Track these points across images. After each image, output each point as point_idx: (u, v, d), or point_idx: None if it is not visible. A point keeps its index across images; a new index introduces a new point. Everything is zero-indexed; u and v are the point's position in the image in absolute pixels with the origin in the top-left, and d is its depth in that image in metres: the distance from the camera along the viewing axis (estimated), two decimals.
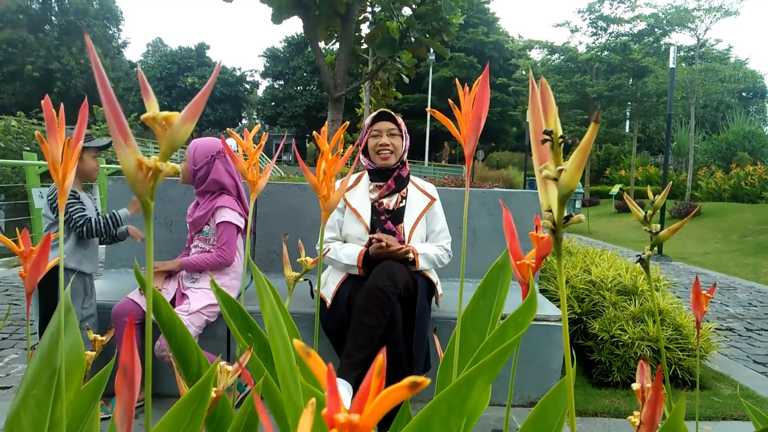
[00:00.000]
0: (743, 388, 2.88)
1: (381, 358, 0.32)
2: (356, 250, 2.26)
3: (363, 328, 1.99)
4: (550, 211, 0.46)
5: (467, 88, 0.84)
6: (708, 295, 1.08)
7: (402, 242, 2.29)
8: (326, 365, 0.33)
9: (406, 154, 2.42)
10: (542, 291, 3.12)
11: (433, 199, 2.42)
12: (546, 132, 0.43)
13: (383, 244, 2.16)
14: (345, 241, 2.37)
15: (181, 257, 2.55)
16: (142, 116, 0.44)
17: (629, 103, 19.97)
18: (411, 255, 2.21)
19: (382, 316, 2.00)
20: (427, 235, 2.41)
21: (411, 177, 2.48)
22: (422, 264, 2.24)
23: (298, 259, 1.17)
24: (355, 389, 1.92)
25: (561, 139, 0.43)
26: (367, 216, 2.33)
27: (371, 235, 2.23)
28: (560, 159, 0.44)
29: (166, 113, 0.44)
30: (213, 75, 0.49)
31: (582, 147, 0.41)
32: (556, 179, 0.44)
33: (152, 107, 0.44)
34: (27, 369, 0.80)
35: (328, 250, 2.32)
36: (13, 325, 3.63)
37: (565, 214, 0.47)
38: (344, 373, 1.93)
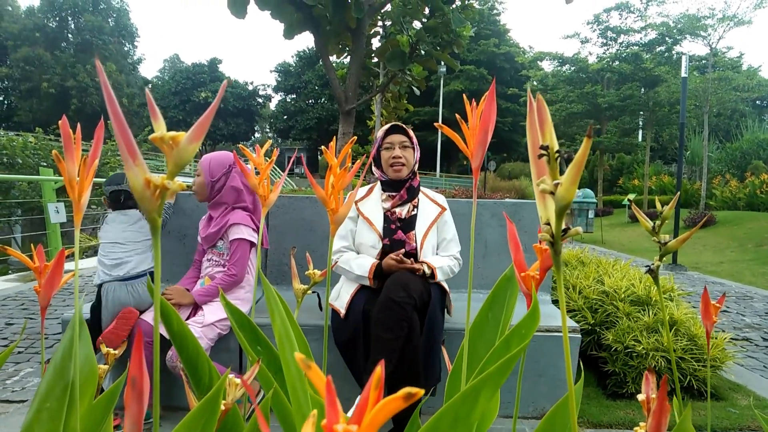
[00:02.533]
0: (759, 398, 2.84)
1: (379, 371, 0.33)
2: (369, 261, 2.27)
3: (381, 343, 1.99)
4: (549, 224, 0.47)
5: (474, 103, 0.85)
6: (717, 305, 1.08)
7: (413, 250, 2.32)
8: (326, 377, 0.34)
9: (416, 165, 2.46)
10: (555, 302, 3.10)
11: (443, 209, 2.46)
12: (542, 147, 0.44)
13: (396, 260, 2.19)
14: (358, 251, 2.39)
15: (191, 271, 2.59)
16: (150, 136, 0.45)
17: (641, 112, 19.82)
18: (428, 269, 2.22)
19: (399, 329, 1.99)
20: (438, 243, 2.43)
21: (421, 188, 2.52)
22: (439, 276, 2.26)
23: (306, 272, 1.18)
24: None
25: (557, 154, 0.43)
26: (379, 224, 2.36)
27: (392, 255, 2.24)
28: (557, 173, 0.45)
29: (172, 133, 0.45)
30: (219, 93, 0.51)
31: (576, 161, 0.42)
32: (552, 193, 0.44)
33: (160, 128, 0.46)
34: (41, 383, 0.82)
35: (336, 263, 2.33)
36: (29, 338, 3.67)
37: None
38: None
